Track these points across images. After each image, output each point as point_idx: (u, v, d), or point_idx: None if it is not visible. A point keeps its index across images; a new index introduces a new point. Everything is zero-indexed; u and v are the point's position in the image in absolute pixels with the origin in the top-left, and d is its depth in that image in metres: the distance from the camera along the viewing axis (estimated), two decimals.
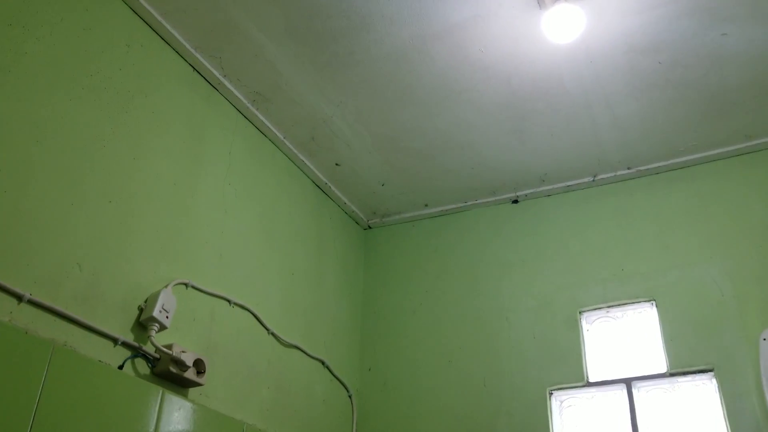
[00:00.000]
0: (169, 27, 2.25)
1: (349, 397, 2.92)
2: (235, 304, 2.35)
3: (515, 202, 3.14)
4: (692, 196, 2.79)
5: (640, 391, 2.56)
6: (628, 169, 2.91)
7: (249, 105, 2.58)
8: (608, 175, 2.95)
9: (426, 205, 3.24)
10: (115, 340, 1.84)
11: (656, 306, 2.66)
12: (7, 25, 1.75)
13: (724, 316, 2.52)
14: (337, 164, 2.94)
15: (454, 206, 3.22)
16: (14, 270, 1.63)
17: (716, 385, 2.43)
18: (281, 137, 2.75)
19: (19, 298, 1.62)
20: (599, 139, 2.74)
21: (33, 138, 1.76)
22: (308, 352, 2.70)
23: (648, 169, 2.88)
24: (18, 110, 1.73)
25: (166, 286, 2.02)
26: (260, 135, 2.71)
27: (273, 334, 2.52)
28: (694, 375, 2.49)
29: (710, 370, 2.47)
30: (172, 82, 2.30)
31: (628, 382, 2.57)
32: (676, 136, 2.70)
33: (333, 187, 3.09)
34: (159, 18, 2.22)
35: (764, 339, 2.34)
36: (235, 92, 2.51)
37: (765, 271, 2.52)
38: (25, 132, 1.74)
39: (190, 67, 2.40)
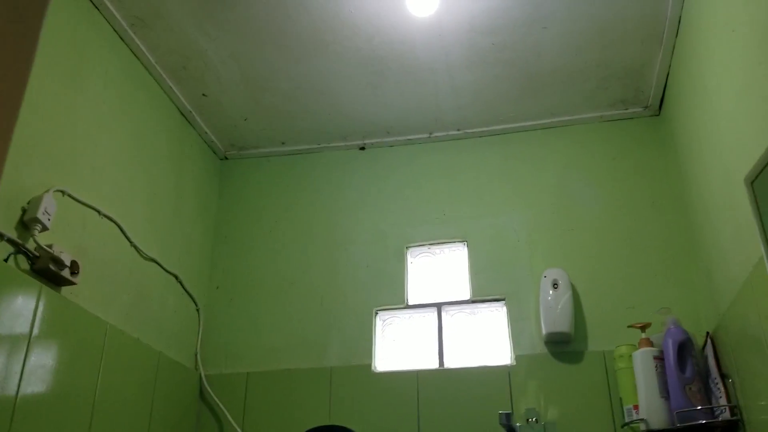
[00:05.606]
0: None
1: (197, 310, 3.20)
2: (104, 215, 2.52)
3: (362, 149, 3.53)
4: (505, 158, 3.32)
5: (447, 314, 3.09)
6: (458, 130, 3.39)
7: (127, 28, 2.69)
8: (442, 134, 3.40)
9: (283, 143, 3.53)
10: (0, 236, 1.98)
11: (467, 246, 3.20)
12: None
13: (517, 256, 3.10)
14: (204, 95, 3.13)
15: (307, 147, 3.53)
16: None
17: (506, 310, 3.04)
18: (153, 62, 2.89)
19: None
20: (438, 102, 3.18)
21: None
22: (164, 266, 2.93)
23: (473, 132, 3.37)
24: None
25: (47, 191, 2.16)
26: (134, 59, 2.83)
27: (135, 247, 2.72)
28: (490, 303, 3.07)
29: (503, 299, 3.05)
30: None
31: (438, 306, 3.10)
32: (498, 107, 3.20)
33: (197, 116, 3.27)
34: None
35: (545, 276, 2.94)
36: (116, 14, 2.61)
37: (552, 223, 3.12)
38: None
39: None
